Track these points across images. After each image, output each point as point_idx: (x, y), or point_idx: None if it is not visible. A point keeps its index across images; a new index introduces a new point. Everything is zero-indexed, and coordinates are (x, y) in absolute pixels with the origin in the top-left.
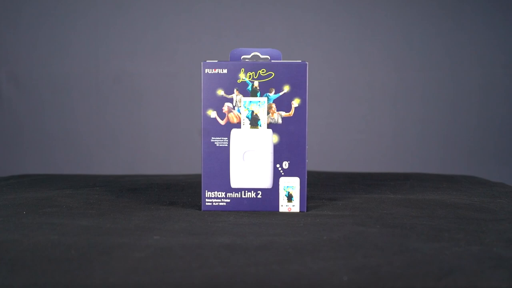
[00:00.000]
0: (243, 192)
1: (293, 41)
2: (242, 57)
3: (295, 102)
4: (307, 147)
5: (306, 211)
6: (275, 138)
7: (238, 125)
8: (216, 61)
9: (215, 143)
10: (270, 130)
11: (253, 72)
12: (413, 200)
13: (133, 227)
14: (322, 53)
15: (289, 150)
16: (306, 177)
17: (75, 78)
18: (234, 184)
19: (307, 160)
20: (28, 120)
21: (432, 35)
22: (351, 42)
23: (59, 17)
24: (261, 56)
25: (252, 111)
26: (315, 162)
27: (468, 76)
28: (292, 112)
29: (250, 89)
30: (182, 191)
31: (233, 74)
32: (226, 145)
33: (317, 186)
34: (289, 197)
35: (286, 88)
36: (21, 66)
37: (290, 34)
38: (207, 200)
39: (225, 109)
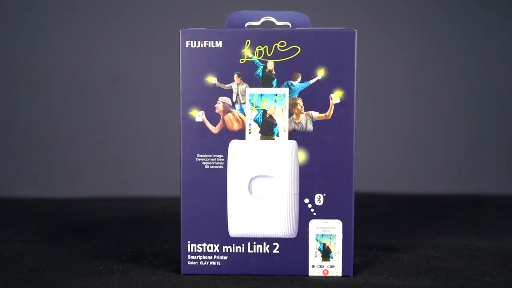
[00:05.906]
0: (249, 244)
1: (328, 1)
2: (247, 23)
3: (335, 96)
4: (354, 169)
5: (353, 275)
6: (302, 156)
7: (241, 134)
8: (204, 28)
9: (203, 164)
10: (294, 142)
11: (266, 46)
12: None
13: None
14: (369, 21)
15: (325, 175)
16: (354, 220)
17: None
18: (234, 231)
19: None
20: None
21: None
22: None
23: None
24: (277, 23)
25: (264, 111)
26: None
27: None
28: (330, 112)
29: (260, 74)
30: (157, 230)
31: (233, 49)
32: (222, 167)
33: (358, 220)
34: (326, 253)
35: (321, 73)
36: None
37: None
38: (190, 257)
39: (219, 107)
